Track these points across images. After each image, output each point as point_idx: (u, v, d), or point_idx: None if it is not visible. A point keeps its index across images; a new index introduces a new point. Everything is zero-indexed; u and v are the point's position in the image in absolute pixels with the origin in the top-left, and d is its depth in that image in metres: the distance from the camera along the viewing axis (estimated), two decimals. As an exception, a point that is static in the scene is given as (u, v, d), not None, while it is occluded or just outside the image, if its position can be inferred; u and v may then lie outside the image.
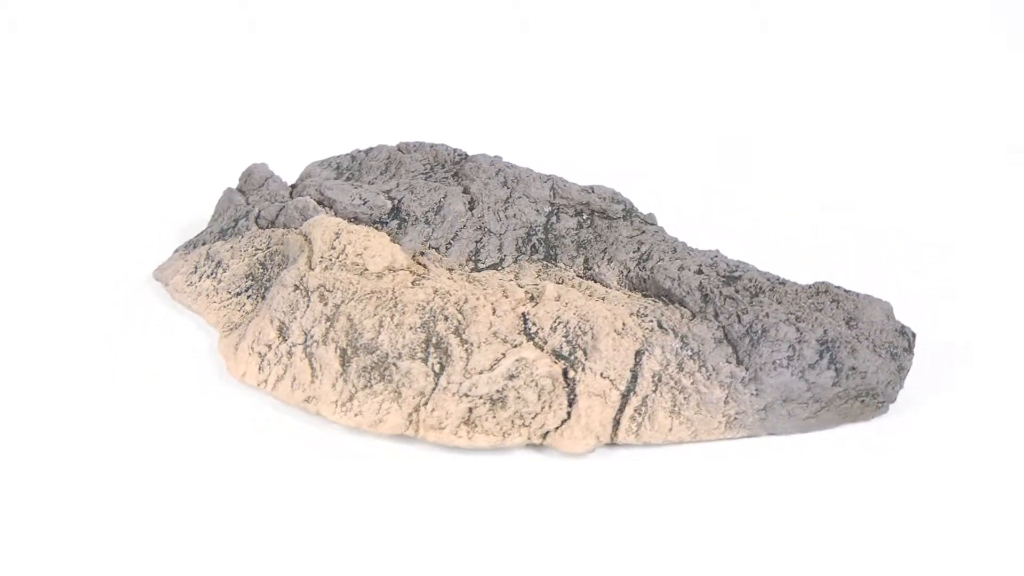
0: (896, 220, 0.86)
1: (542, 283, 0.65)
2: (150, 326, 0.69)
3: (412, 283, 0.65)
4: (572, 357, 0.61)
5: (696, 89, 1.05)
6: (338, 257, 0.67)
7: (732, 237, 0.81)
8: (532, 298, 0.64)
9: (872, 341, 0.61)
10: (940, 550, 0.54)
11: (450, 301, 0.63)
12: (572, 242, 0.68)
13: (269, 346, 0.65)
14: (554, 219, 0.69)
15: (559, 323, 0.62)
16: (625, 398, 0.60)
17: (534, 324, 0.62)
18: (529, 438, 0.59)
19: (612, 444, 0.60)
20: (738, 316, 0.61)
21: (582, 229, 0.69)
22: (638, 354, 0.61)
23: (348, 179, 0.75)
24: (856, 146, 0.97)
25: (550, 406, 0.60)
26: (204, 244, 0.75)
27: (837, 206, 0.88)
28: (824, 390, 0.60)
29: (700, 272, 0.64)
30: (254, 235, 0.73)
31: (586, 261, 0.67)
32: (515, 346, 0.61)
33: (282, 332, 0.65)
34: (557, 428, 0.59)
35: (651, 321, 0.62)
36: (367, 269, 0.66)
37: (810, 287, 0.64)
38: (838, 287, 0.64)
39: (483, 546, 0.54)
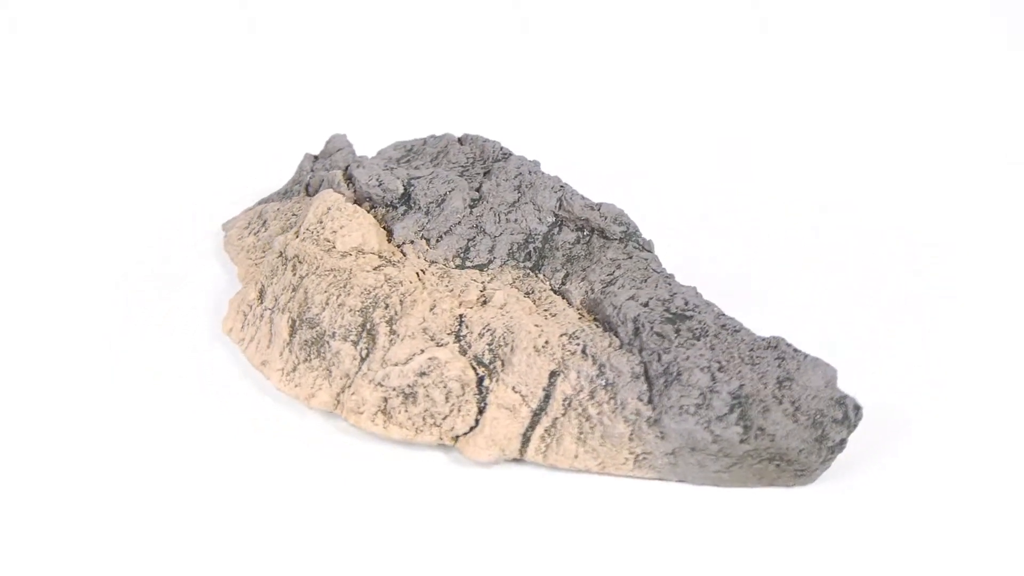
0: (896, 220, 0.83)
1: (496, 289, 0.64)
2: (150, 326, 0.70)
3: (374, 268, 0.65)
4: (492, 366, 0.61)
5: (696, 89, 1.02)
6: (317, 231, 0.68)
7: (732, 237, 0.79)
8: (484, 302, 0.64)
9: (795, 405, 0.58)
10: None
11: (397, 291, 0.64)
12: (563, 255, 0.67)
13: (250, 307, 0.67)
14: (556, 230, 0.68)
15: (487, 330, 0.62)
16: (536, 416, 0.60)
17: (467, 327, 0.62)
18: (440, 438, 0.60)
19: (521, 461, 0.60)
20: (659, 354, 0.59)
21: (577, 244, 0.67)
22: (553, 375, 0.60)
23: (408, 161, 0.75)
24: (856, 146, 0.94)
25: (459, 410, 0.60)
26: (269, 203, 0.78)
27: (837, 206, 0.85)
28: (732, 446, 0.58)
29: (645, 305, 0.62)
30: (297, 200, 0.75)
31: (566, 276, 0.66)
32: (440, 345, 0.61)
33: (261, 295, 0.68)
34: (466, 433, 0.60)
35: (577, 344, 0.61)
36: (335, 247, 0.67)
37: (763, 340, 0.60)
38: (790, 345, 0.60)
39: (479, 548, 0.56)
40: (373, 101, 0.95)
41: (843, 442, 0.59)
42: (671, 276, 0.65)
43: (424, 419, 0.61)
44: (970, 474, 0.60)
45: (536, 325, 0.62)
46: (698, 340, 0.60)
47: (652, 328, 0.60)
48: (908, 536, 0.57)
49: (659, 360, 0.59)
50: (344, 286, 0.64)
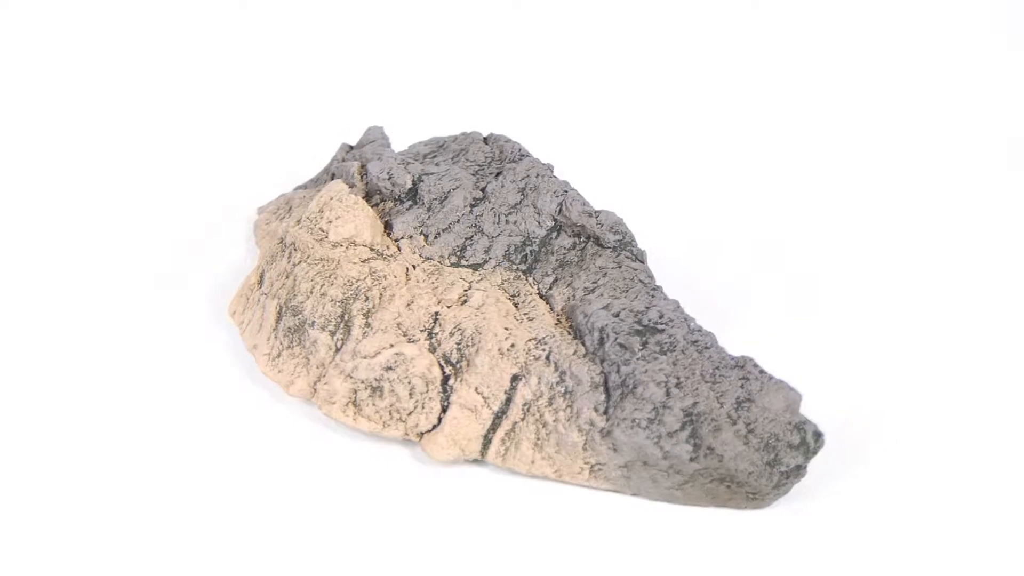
0: (896, 221, 0.82)
1: (480, 290, 0.64)
2: (150, 325, 0.70)
3: (363, 260, 0.66)
4: (458, 365, 0.61)
5: (696, 89, 1.00)
6: (315, 220, 0.69)
7: (728, 239, 0.79)
8: (464, 302, 0.64)
9: (750, 427, 0.57)
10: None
11: (379, 285, 0.64)
12: (556, 260, 0.66)
13: (252, 290, 0.69)
14: (554, 235, 0.67)
15: (458, 329, 0.62)
16: (498, 419, 0.60)
17: (440, 325, 0.63)
18: (406, 434, 0.61)
19: (483, 462, 0.61)
20: (619, 366, 0.59)
21: (572, 251, 0.67)
22: (515, 378, 0.60)
23: (433, 157, 0.75)
24: (856, 147, 0.92)
25: (423, 407, 0.61)
26: (299, 190, 0.79)
27: (837, 206, 0.84)
28: (682, 463, 0.57)
29: (616, 315, 0.61)
30: (319, 188, 0.76)
31: (555, 281, 0.65)
32: (412, 341, 0.62)
33: (260, 279, 0.69)
34: (429, 431, 0.61)
35: (543, 350, 0.61)
36: (327, 237, 0.67)
37: (731, 359, 0.59)
38: (757, 367, 0.59)
39: (420, 549, 0.56)
40: (423, 95, 0.95)
41: (799, 468, 0.57)
42: (658, 289, 0.64)
43: (391, 413, 0.61)
44: (932, 503, 0.59)
45: (505, 328, 0.62)
46: (664, 355, 0.59)
47: (616, 339, 0.60)
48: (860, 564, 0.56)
49: (618, 372, 0.59)
50: (329, 276, 0.65)
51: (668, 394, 0.57)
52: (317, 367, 0.63)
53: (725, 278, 0.76)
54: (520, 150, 0.72)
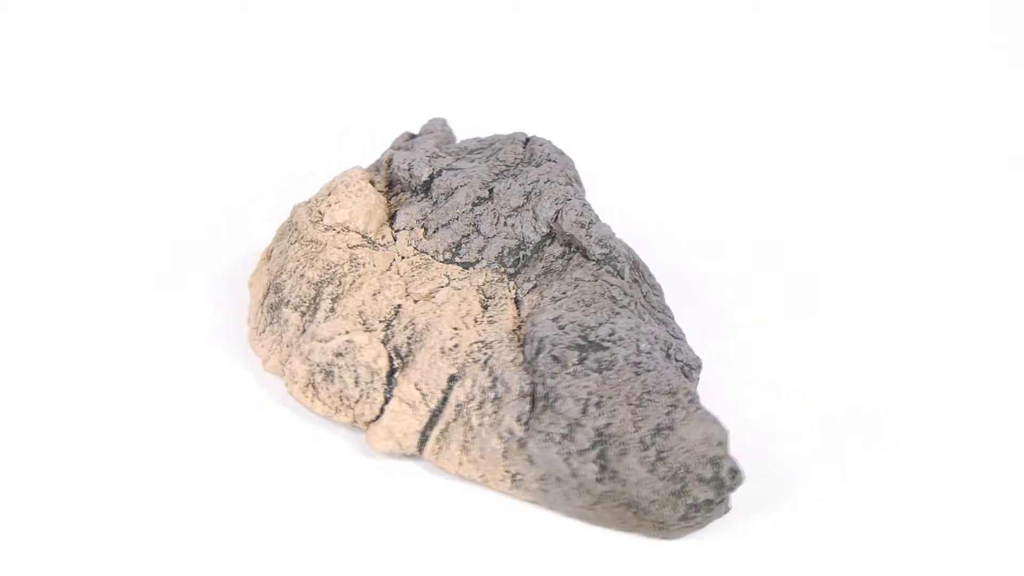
0: (896, 221, 0.81)
1: (456, 289, 0.64)
2: (150, 325, 0.70)
3: (350, 246, 0.66)
4: (406, 359, 0.61)
5: (696, 89, 0.97)
6: (318, 201, 0.70)
7: (725, 239, 0.78)
8: (432, 298, 0.64)
9: (660, 455, 0.55)
10: None
11: (355, 272, 0.65)
12: (543, 267, 0.65)
13: (262, 264, 0.71)
14: (548, 242, 0.66)
15: (411, 324, 0.62)
16: (434, 417, 0.60)
17: (399, 318, 0.63)
18: (354, 421, 0.62)
19: (419, 458, 0.61)
20: (547, 378, 0.58)
21: (559, 259, 0.65)
22: (452, 379, 0.60)
23: (474, 153, 0.74)
24: (856, 146, 0.90)
25: (367, 396, 0.61)
26: None
27: (837, 206, 0.82)
28: (590, 483, 0.56)
29: (562, 328, 0.59)
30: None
31: (534, 287, 0.64)
32: (369, 331, 0.62)
33: (268, 256, 0.71)
34: (372, 421, 0.61)
35: (484, 354, 0.60)
36: (322, 220, 0.68)
37: (667, 385, 0.58)
38: (691, 397, 0.57)
39: (328, 539, 0.57)
40: (424, 96, 0.94)
41: (709, 503, 0.56)
42: (626, 308, 0.62)
43: (341, 399, 0.62)
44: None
45: (454, 328, 0.62)
46: (598, 372, 0.58)
47: (551, 351, 0.58)
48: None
49: (544, 384, 0.58)
50: (312, 259, 0.66)
51: (585, 412, 0.56)
52: (287, 346, 0.65)
53: (725, 278, 0.75)
54: (549, 155, 0.71)
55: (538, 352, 0.59)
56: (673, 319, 0.67)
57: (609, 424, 0.56)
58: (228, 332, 0.69)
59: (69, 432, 0.62)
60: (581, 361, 0.58)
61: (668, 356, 0.62)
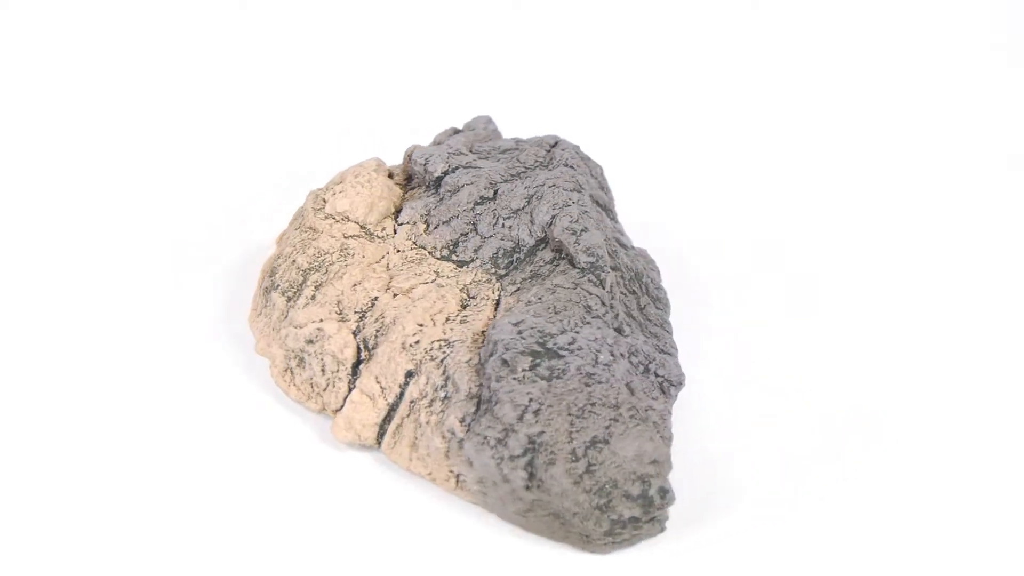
0: (896, 220, 0.81)
1: (440, 286, 0.64)
2: (150, 325, 0.70)
3: (346, 236, 0.67)
4: (371, 351, 0.62)
5: (695, 89, 0.94)
6: (325, 189, 0.70)
7: (726, 239, 0.77)
8: (410, 292, 0.64)
9: (590, 468, 0.55)
10: None
11: (343, 262, 0.65)
12: (531, 271, 0.65)
13: (275, 247, 0.72)
14: (541, 247, 0.66)
15: (381, 317, 0.63)
16: (392, 411, 0.61)
17: (373, 311, 0.63)
18: (323, 409, 0.63)
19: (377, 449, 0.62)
20: (491, 381, 0.58)
21: (547, 265, 0.65)
22: (409, 374, 0.60)
23: (502, 153, 0.73)
24: (857, 146, 0.89)
25: (333, 385, 0.62)
26: None
27: (837, 206, 0.82)
28: (520, 490, 0.56)
29: (520, 332, 0.59)
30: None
31: (517, 291, 0.64)
32: (343, 320, 0.63)
33: (280, 240, 0.72)
34: (337, 410, 0.62)
35: (443, 352, 0.60)
36: (324, 207, 0.69)
37: (614, 397, 0.57)
38: (632, 410, 0.57)
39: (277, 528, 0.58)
40: (424, 96, 0.93)
41: (636, 521, 0.55)
42: (600, 318, 0.62)
43: (312, 386, 0.63)
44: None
45: (419, 324, 0.62)
46: (546, 380, 0.57)
47: (502, 355, 0.58)
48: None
49: (488, 387, 0.58)
50: (306, 245, 0.67)
51: (521, 418, 0.56)
52: (273, 330, 0.66)
53: (725, 278, 0.75)
54: (567, 160, 0.70)
55: (491, 355, 0.59)
56: (670, 333, 0.66)
57: (542, 432, 0.55)
58: (228, 332, 0.70)
59: (67, 431, 0.63)
60: (533, 368, 0.58)
61: (647, 371, 0.61)
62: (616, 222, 0.72)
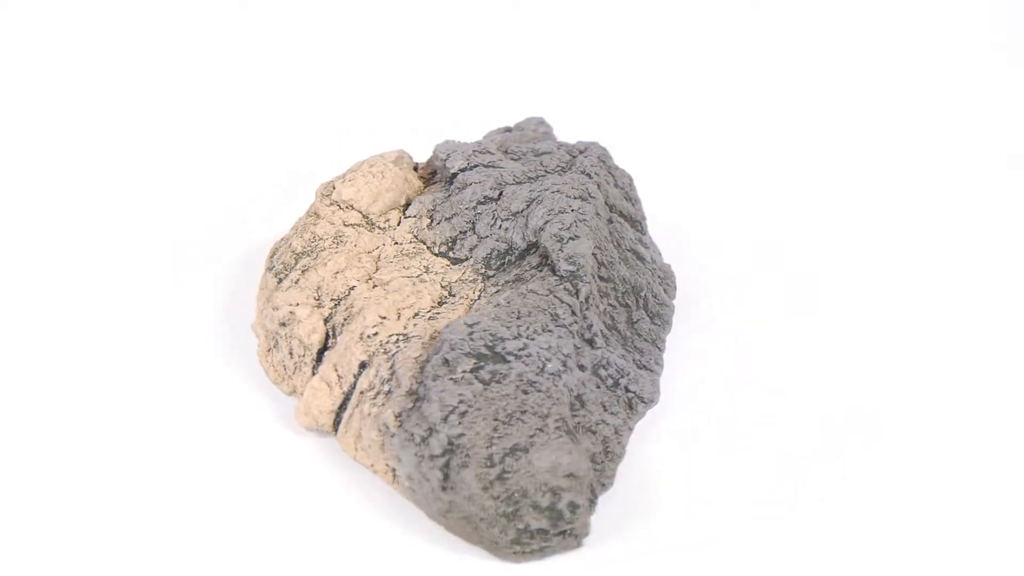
0: (896, 220, 0.80)
1: (415, 280, 0.64)
2: (150, 325, 0.70)
3: (345, 224, 0.67)
4: (338, 339, 0.63)
5: (695, 90, 0.94)
6: (340, 177, 0.70)
7: (726, 239, 0.77)
8: (387, 283, 0.65)
9: (503, 475, 0.54)
10: None
11: (333, 249, 0.66)
12: (516, 274, 0.64)
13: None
14: (531, 251, 0.65)
15: (350, 306, 0.63)
16: (346, 400, 0.61)
17: (347, 298, 0.64)
18: (293, 391, 0.64)
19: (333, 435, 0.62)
20: (427, 379, 0.57)
21: (532, 269, 0.64)
22: (362, 365, 0.61)
23: (541, 156, 0.72)
24: (857, 146, 0.88)
25: (299, 370, 0.63)
26: None
27: (837, 205, 0.82)
28: (437, 491, 0.55)
29: (471, 334, 0.59)
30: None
31: (496, 292, 0.64)
32: (319, 306, 0.64)
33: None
34: (302, 395, 0.63)
35: (396, 347, 0.60)
36: (331, 194, 0.69)
37: (547, 408, 0.57)
38: (560, 421, 0.56)
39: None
40: (424, 95, 0.92)
41: (544, 533, 0.54)
42: (565, 327, 0.61)
43: (284, 368, 0.64)
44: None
45: (381, 316, 0.62)
46: (483, 384, 0.57)
47: (444, 354, 0.58)
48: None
49: (424, 384, 0.58)
50: (304, 229, 0.68)
51: (446, 419, 0.56)
52: (261, 309, 0.67)
53: (725, 278, 0.74)
54: (585, 168, 0.69)
55: (436, 352, 0.59)
56: (661, 351, 0.65)
57: (462, 435, 0.55)
58: (228, 332, 0.70)
59: (67, 430, 0.63)
60: (474, 370, 0.57)
61: (616, 384, 0.61)
62: (642, 233, 0.71)
